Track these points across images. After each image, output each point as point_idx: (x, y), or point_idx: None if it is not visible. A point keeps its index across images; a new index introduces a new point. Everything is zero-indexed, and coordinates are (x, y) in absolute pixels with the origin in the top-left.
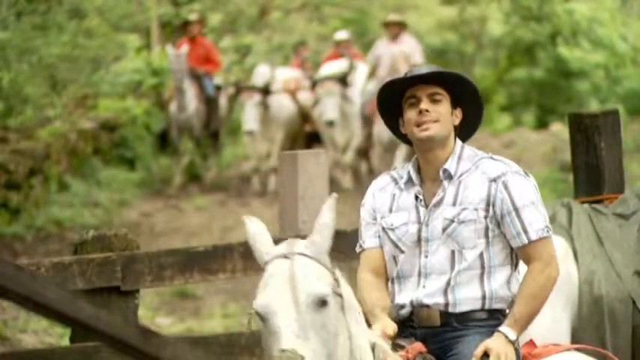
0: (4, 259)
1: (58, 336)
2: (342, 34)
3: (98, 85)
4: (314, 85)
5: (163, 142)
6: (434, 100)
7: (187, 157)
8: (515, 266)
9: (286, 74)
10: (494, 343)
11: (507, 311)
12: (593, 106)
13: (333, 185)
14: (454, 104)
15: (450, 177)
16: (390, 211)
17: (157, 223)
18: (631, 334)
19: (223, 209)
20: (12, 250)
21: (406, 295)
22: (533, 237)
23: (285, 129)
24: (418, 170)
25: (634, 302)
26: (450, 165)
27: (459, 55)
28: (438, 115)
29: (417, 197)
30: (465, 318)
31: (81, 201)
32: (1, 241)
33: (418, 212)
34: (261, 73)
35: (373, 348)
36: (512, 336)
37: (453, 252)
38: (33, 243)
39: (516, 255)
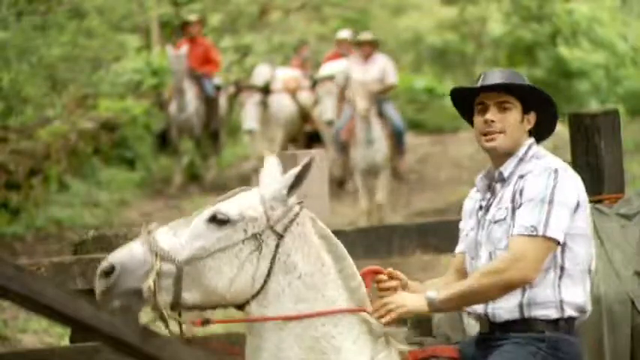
0: (4, 259)
1: (58, 336)
2: (344, 33)
3: (98, 85)
4: (314, 85)
5: (163, 142)
6: (503, 109)
7: (187, 157)
8: (561, 268)
9: (286, 74)
10: (401, 293)
11: (551, 317)
12: (593, 106)
13: (333, 185)
14: (527, 109)
15: (502, 180)
16: (469, 217)
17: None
18: (630, 334)
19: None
20: (12, 250)
21: None
22: (515, 232)
23: (285, 129)
24: (492, 174)
25: (633, 303)
26: (506, 167)
27: (459, 55)
28: (503, 126)
29: (480, 205)
30: (506, 327)
31: (81, 201)
32: (1, 241)
33: (477, 217)
34: (261, 73)
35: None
36: (430, 294)
37: (490, 254)
38: (33, 243)
39: (562, 256)
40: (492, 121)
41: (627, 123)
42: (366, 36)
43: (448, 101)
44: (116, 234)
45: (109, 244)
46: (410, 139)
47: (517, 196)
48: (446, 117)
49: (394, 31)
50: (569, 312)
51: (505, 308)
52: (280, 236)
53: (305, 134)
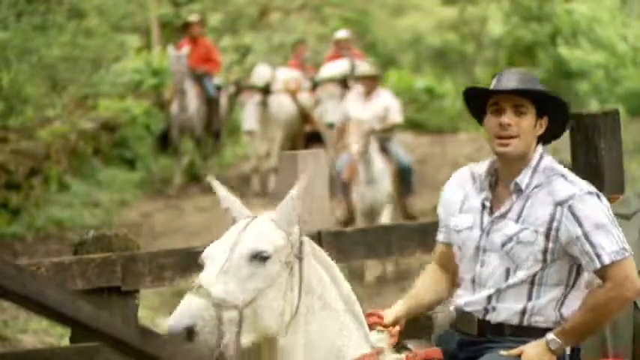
0: (4, 259)
1: (58, 336)
2: (342, 33)
3: (98, 85)
4: (314, 86)
5: (164, 142)
6: (518, 113)
7: (187, 157)
8: (571, 286)
9: (287, 74)
10: (530, 349)
11: (550, 327)
12: (593, 106)
13: (333, 185)
14: (540, 114)
15: (519, 191)
16: (460, 211)
17: (157, 223)
18: (632, 334)
19: (223, 209)
20: (12, 250)
21: (458, 299)
22: (607, 261)
23: (285, 129)
24: (495, 171)
25: (635, 303)
26: (522, 178)
27: (459, 55)
28: (518, 130)
29: (483, 204)
30: (501, 331)
31: (81, 201)
32: (1, 241)
33: (482, 219)
34: (261, 73)
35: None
36: (555, 345)
37: (507, 269)
38: (33, 243)
39: (576, 275)
40: (509, 125)
41: (627, 123)
42: (366, 70)
43: (448, 102)
44: (116, 234)
45: (109, 244)
46: (410, 139)
47: (565, 228)
48: (445, 117)
49: (394, 31)
50: None
51: (506, 311)
52: (300, 259)
53: (305, 135)
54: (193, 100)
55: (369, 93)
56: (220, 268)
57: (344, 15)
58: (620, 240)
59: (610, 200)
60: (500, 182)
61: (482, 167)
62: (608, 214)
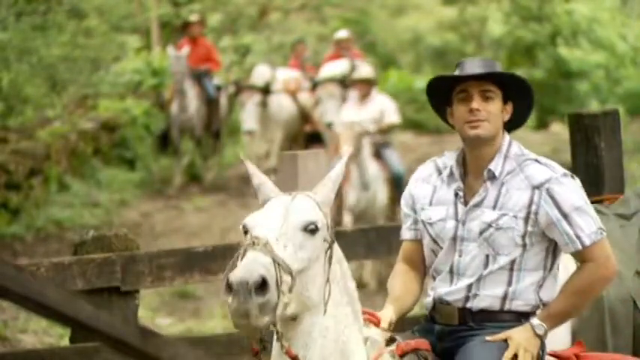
0: (4, 259)
1: (58, 336)
2: (342, 33)
3: (98, 85)
4: (314, 86)
5: (164, 142)
6: (485, 98)
7: (187, 157)
8: (549, 270)
9: (287, 74)
10: (516, 334)
11: (529, 311)
12: (593, 106)
13: None
14: (505, 99)
15: (493, 177)
16: (430, 203)
17: (157, 223)
18: (632, 334)
19: (223, 209)
20: (12, 250)
21: (436, 290)
22: (587, 242)
23: (285, 129)
24: (463, 162)
25: (635, 302)
26: (496, 165)
27: (459, 55)
28: (487, 114)
29: (456, 194)
30: (482, 317)
31: (81, 201)
32: (1, 241)
33: (456, 209)
34: (261, 73)
35: (366, 342)
36: (541, 330)
37: (487, 256)
38: (33, 243)
39: (552, 259)
40: (477, 110)
41: (627, 123)
42: (361, 73)
43: None
44: (116, 234)
45: (109, 244)
46: (410, 139)
47: (544, 212)
48: None
49: (394, 31)
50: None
51: (487, 297)
52: (333, 241)
53: (305, 135)
54: (193, 101)
55: (364, 97)
56: (278, 231)
57: (344, 15)
58: (596, 220)
59: (610, 200)
60: (470, 172)
61: (447, 159)
62: (583, 194)
